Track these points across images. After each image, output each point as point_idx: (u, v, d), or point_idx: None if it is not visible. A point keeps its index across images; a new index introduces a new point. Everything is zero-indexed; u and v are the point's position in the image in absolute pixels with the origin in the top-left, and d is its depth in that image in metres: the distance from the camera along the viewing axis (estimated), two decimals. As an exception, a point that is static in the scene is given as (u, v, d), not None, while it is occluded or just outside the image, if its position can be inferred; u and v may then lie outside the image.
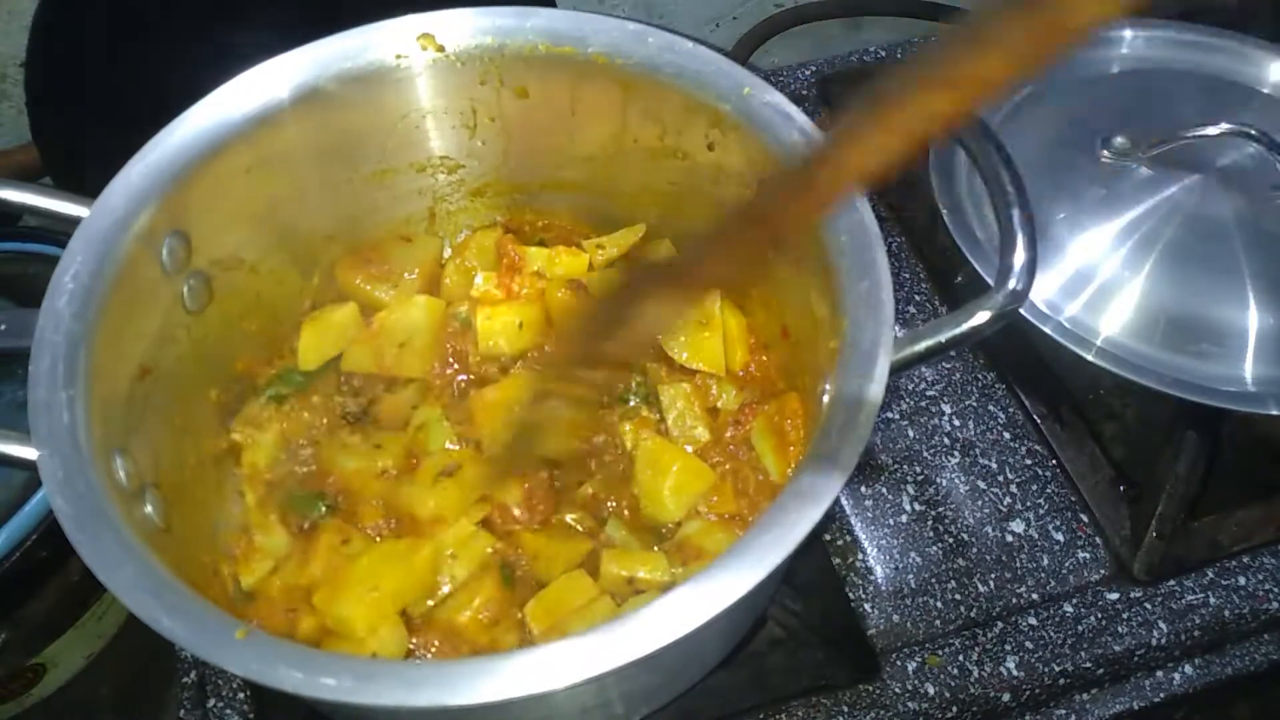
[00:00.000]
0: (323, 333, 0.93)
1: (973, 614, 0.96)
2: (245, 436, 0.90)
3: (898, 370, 0.70)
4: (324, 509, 0.87)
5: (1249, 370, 0.99)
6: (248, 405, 0.91)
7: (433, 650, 0.81)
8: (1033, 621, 0.96)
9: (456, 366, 0.94)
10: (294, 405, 0.92)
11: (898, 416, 1.08)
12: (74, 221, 0.77)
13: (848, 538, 1.00)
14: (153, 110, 0.81)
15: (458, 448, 0.89)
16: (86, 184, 0.79)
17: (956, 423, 1.07)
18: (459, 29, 0.87)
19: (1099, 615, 0.96)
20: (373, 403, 0.94)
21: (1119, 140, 1.07)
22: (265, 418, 0.91)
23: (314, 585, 0.82)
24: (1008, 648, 0.94)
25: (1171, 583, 0.98)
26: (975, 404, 1.09)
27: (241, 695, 0.91)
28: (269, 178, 0.86)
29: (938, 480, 1.03)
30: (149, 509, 0.73)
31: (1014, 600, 0.97)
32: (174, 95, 0.82)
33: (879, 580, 0.98)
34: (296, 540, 0.86)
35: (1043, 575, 0.98)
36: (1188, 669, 0.97)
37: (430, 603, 0.82)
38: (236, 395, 0.92)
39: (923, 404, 1.08)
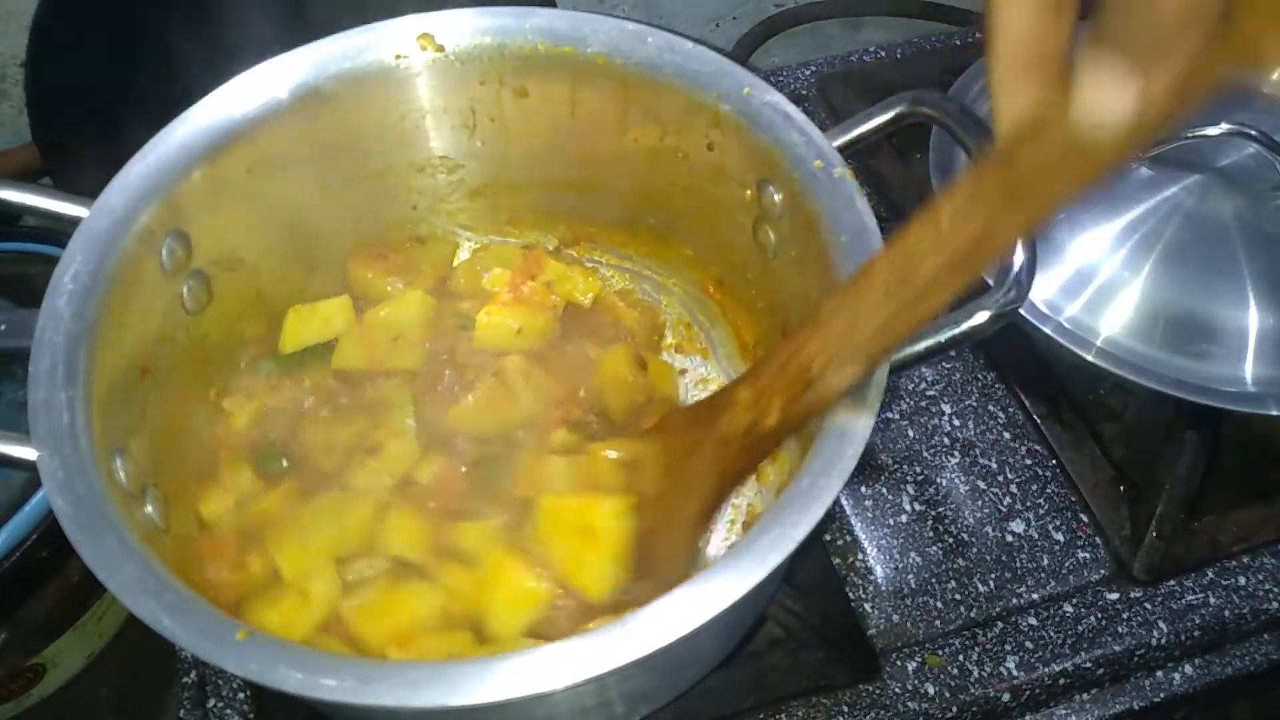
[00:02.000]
0: (307, 319, 0.93)
1: (973, 614, 0.96)
2: (234, 405, 0.91)
3: (897, 370, 0.70)
4: (285, 464, 0.88)
5: (1249, 370, 0.99)
6: (238, 378, 0.92)
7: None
8: (1033, 621, 0.96)
9: (446, 359, 0.94)
10: (284, 382, 0.92)
11: (897, 416, 1.08)
12: (74, 221, 0.77)
13: (848, 538, 1.00)
14: (153, 110, 0.81)
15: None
16: (86, 184, 0.79)
17: (956, 423, 1.07)
18: (459, 29, 0.87)
19: (1099, 615, 0.96)
20: (361, 390, 0.94)
21: (1119, 140, 1.07)
22: (255, 389, 0.91)
23: (266, 527, 0.83)
24: (1008, 648, 0.94)
25: (1171, 583, 0.98)
26: (975, 404, 1.09)
27: (241, 695, 0.91)
28: (269, 178, 0.86)
29: (938, 480, 1.03)
30: (149, 509, 0.73)
31: (1014, 600, 0.97)
32: (174, 95, 0.81)
33: (879, 580, 0.98)
34: (260, 485, 0.87)
35: (1043, 575, 0.98)
36: (1188, 669, 0.97)
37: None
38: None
39: (923, 404, 1.09)
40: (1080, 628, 0.95)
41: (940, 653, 0.94)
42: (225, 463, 0.87)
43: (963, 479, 1.04)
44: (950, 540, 1.00)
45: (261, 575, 0.82)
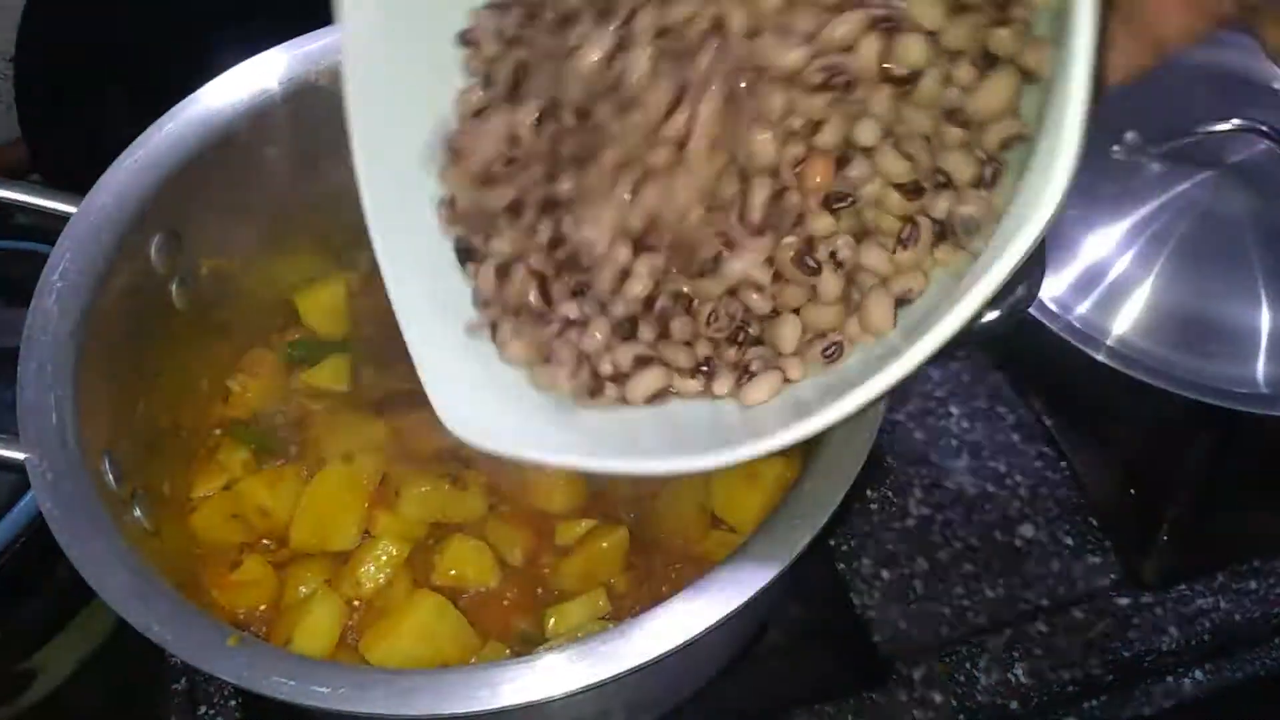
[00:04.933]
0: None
1: (981, 620, 0.95)
2: (239, 385, 0.91)
3: (904, 371, 0.69)
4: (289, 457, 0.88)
5: (1261, 371, 0.98)
6: (249, 355, 0.92)
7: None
8: (1042, 628, 0.94)
9: None
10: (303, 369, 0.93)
11: (904, 418, 1.07)
12: (63, 219, 0.76)
13: (853, 542, 0.99)
14: (142, 106, 0.81)
15: None
16: (76, 181, 0.78)
17: (965, 425, 1.06)
18: (456, 25, 0.86)
19: (1109, 621, 0.95)
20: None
21: (1130, 136, 1.06)
22: (266, 369, 0.91)
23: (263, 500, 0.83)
24: (1016, 654, 0.93)
25: (1182, 587, 0.96)
26: (984, 405, 1.07)
27: (233, 703, 0.90)
28: (260, 175, 0.85)
29: (945, 483, 1.02)
30: (138, 512, 0.73)
31: (1023, 606, 0.96)
32: (163, 91, 0.81)
33: (885, 585, 0.97)
34: (255, 467, 0.87)
35: (1052, 580, 0.97)
36: (1198, 674, 0.95)
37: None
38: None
39: (930, 405, 1.07)
40: (1090, 633, 0.94)
41: (948, 659, 0.93)
42: (224, 446, 0.87)
43: (971, 482, 1.02)
44: (958, 545, 0.99)
45: (252, 537, 0.83)
